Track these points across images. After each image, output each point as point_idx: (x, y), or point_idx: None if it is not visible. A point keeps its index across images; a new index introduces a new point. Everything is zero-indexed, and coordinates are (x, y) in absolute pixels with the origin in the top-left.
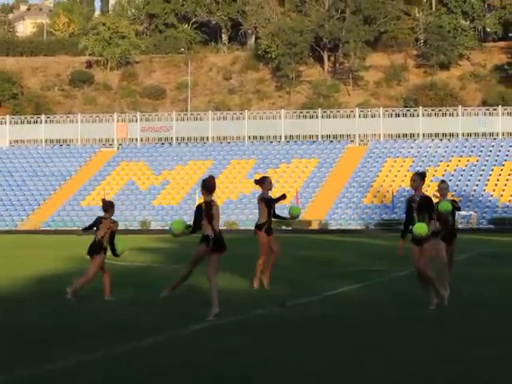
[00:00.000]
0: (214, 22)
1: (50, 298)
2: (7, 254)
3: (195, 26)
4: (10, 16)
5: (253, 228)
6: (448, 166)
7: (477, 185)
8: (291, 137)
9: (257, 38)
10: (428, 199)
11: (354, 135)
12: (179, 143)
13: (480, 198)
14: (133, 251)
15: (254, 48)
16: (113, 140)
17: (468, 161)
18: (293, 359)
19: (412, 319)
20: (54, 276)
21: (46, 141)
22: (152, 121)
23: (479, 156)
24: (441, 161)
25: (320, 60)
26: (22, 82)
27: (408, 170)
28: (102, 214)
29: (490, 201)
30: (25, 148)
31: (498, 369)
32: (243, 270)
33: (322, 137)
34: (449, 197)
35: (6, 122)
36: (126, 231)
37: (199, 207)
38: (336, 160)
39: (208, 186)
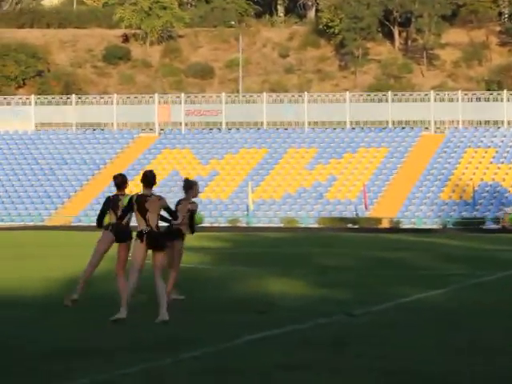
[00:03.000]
0: None
1: (91, 300)
2: (36, 252)
3: None
4: None
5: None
6: None
7: None
8: (357, 123)
9: (317, 11)
10: None
11: (429, 122)
12: (229, 129)
13: None
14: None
15: (314, 22)
16: (153, 124)
17: None
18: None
19: (493, 329)
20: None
21: (77, 124)
22: (198, 103)
23: None
24: None
25: (390, 36)
26: (48, 57)
27: (490, 162)
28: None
29: None
30: (53, 132)
31: None
32: (303, 273)
33: (393, 123)
34: None
35: (30, 103)
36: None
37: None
38: (408, 149)
39: (148, 179)
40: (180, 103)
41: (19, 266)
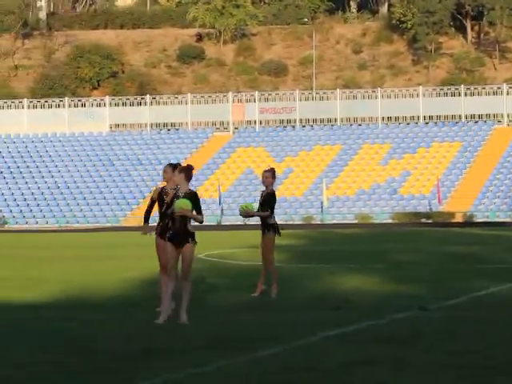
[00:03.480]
0: None
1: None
2: (112, 254)
3: None
4: None
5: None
6: None
7: None
8: (430, 117)
9: (390, 6)
10: None
11: (502, 115)
12: (303, 126)
13: None
14: (255, 249)
15: (386, 17)
16: (228, 123)
17: None
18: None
19: None
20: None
21: (152, 125)
22: (272, 101)
23: None
24: None
25: (462, 30)
26: (122, 58)
27: None
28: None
29: None
30: (127, 133)
31: None
32: (378, 269)
33: (466, 117)
34: None
35: (105, 104)
36: (244, 226)
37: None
38: (482, 143)
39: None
40: (254, 101)
41: (95, 267)
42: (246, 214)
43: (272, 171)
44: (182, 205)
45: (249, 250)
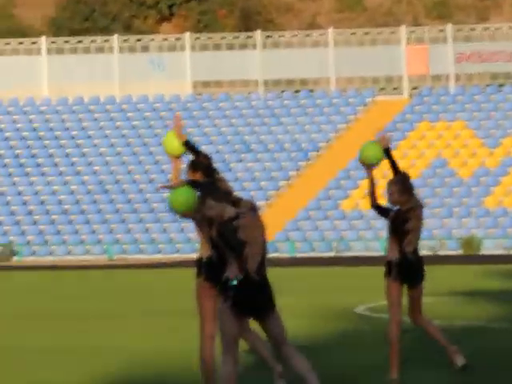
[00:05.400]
0: None
1: None
2: None
3: None
4: None
5: None
6: None
7: None
8: None
9: None
10: None
11: None
12: None
13: None
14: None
15: None
16: (400, 80)
17: None
18: None
19: None
20: None
21: (266, 83)
22: (478, 41)
23: None
24: None
25: None
26: None
27: None
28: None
29: None
30: (223, 97)
31: None
32: None
33: None
34: None
35: (184, 47)
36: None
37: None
38: None
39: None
40: (445, 42)
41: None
42: None
43: (400, 181)
44: None
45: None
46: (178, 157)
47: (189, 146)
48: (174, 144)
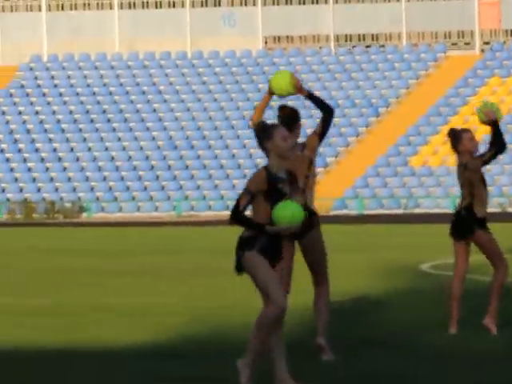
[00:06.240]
0: None
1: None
2: None
3: None
4: None
5: None
6: None
7: None
8: None
9: None
10: None
11: None
12: None
13: None
14: None
15: None
16: (471, 35)
17: None
18: None
19: None
20: None
21: (337, 38)
22: None
23: None
24: None
25: None
26: None
27: None
28: None
29: None
30: (294, 52)
31: None
32: None
33: None
34: None
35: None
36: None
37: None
38: None
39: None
40: None
41: None
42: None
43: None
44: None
45: None
46: (273, 94)
47: (311, 96)
48: (286, 80)
